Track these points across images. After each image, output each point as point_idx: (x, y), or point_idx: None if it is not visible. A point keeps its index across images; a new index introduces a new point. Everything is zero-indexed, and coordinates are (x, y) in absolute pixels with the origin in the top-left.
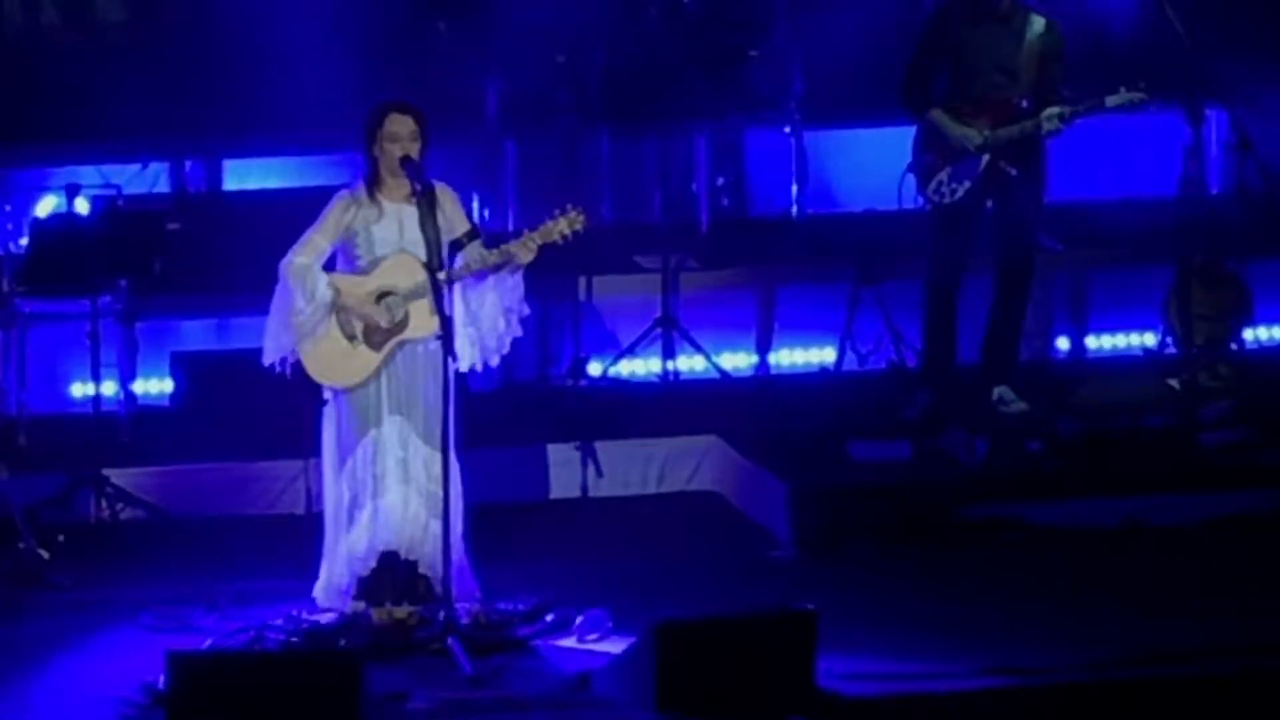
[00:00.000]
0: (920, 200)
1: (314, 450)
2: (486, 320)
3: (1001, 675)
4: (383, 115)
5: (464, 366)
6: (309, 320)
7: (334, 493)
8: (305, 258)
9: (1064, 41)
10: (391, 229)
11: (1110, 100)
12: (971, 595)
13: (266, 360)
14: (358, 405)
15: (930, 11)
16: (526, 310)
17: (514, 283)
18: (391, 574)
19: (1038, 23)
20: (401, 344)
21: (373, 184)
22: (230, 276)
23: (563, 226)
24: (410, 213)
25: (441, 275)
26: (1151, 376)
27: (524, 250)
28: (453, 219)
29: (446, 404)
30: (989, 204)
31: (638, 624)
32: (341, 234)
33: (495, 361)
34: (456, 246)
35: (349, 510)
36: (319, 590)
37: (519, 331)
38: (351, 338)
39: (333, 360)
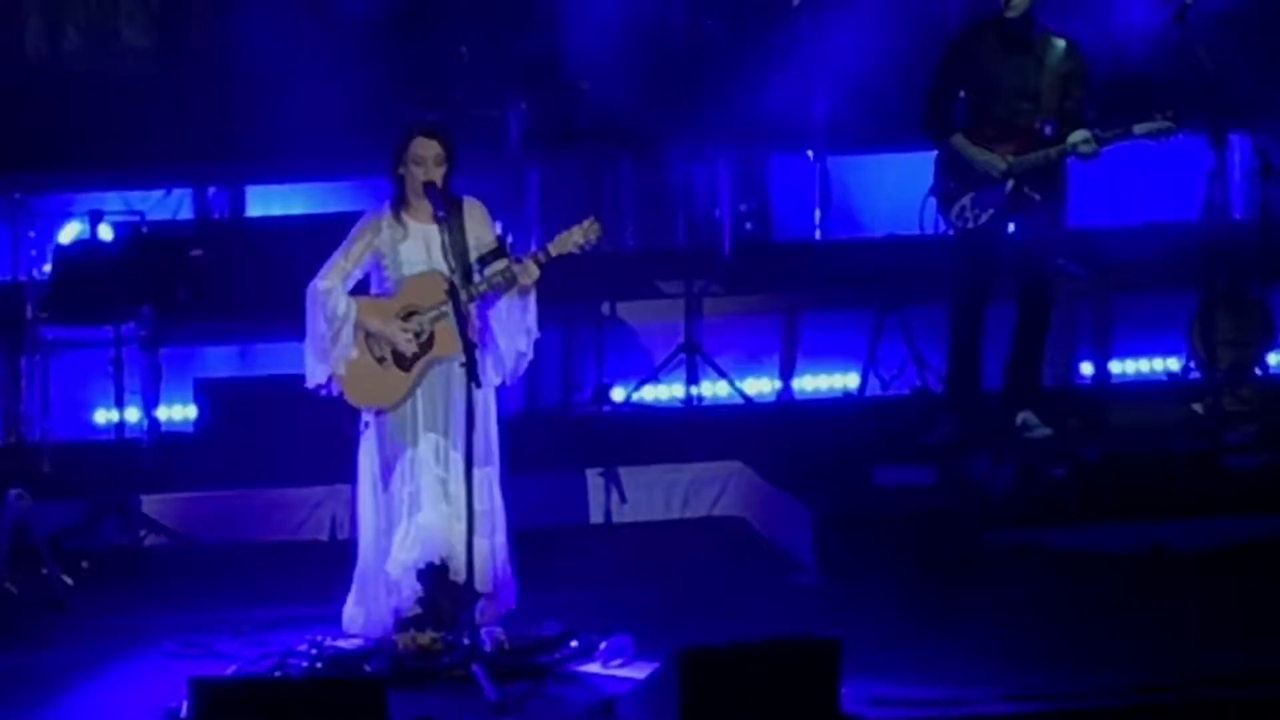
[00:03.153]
0: (942, 225)
1: (339, 476)
2: (505, 338)
3: (1025, 701)
4: (409, 137)
5: (495, 382)
6: (337, 343)
7: (371, 515)
8: (328, 281)
9: (1086, 64)
10: (418, 249)
11: (1138, 128)
12: (995, 620)
13: (309, 384)
14: (395, 426)
15: (951, 37)
16: (538, 333)
17: (524, 303)
18: (430, 594)
19: (1058, 46)
20: (433, 363)
21: (399, 205)
22: (254, 302)
23: (577, 236)
24: (436, 232)
25: (464, 296)
26: (1176, 401)
27: (525, 272)
28: (481, 234)
29: (470, 427)
30: (1011, 228)
31: (662, 650)
32: (369, 256)
33: (510, 381)
34: (482, 263)
35: (387, 531)
36: (349, 614)
37: (530, 354)
38: (381, 359)
39: (367, 383)
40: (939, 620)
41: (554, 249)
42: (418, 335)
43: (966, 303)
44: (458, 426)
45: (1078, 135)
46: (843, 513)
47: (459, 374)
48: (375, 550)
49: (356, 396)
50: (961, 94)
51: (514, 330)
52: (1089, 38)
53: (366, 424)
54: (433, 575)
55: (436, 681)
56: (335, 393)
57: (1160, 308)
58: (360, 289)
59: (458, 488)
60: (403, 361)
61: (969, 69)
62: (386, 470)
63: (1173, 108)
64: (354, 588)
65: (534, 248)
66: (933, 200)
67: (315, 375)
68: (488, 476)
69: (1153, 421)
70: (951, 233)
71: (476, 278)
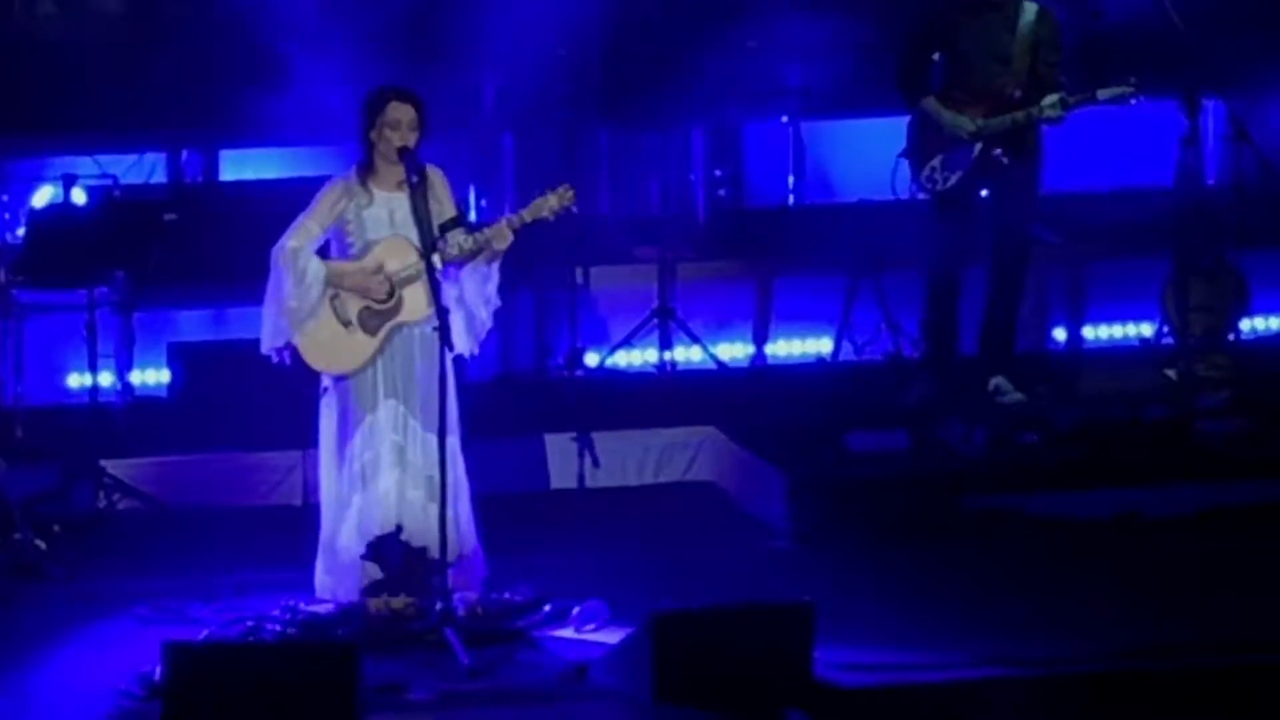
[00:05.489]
0: (914, 188)
1: (312, 441)
2: (467, 307)
3: (998, 665)
4: (384, 102)
5: (460, 350)
6: (302, 304)
7: (331, 480)
8: (296, 241)
9: (1059, 28)
10: (382, 216)
11: (1101, 93)
12: (968, 586)
13: (264, 349)
14: (355, 391)
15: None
16: (499, 302)
17: (488, 272)
18: (388, 561)
19: (1030, 10)
20: (397, 328)
21: (365, 171)
22: (227, 267)
23: (552, 202)
24: (401, 200)
25: (435, 258)
26: (1148, 367)
27: (499, 236)
28: (441, 201)
29: (443, 392)
30: (984, 193)
31: (635, 615)
32: (334, 220)
33: (476, 351)
34: (441, 230)
35: (346, 497)
36: (318, 579)
37: (490, 324)
38: (347, 323)
39: (330, 347)
40: (912, 586)
41: (528, 215)
42: (390, 293)
43: (942, 267)
44: (418, 393)
45: (1046, 99)
46: (816, 478)
47: (422, 340)
48: (335, 516)
49: (317, 361)
50: (935, 57)
51: (475, 300)
52: (1064, 1)
53: (325, 389)
54: (391, 542)
55: (409, 646)
56: (288, 360)
57: (1133, 274)
58: (320, 255)
59: (415, 454)
60: (369, 325)
61: (941, 32)
62: (345, 436)
63: (1135, 73)
64: (320, 554)
65: (507, 213)
66: (905, 163)
67: (273, 339)
68: (450, 445)
69: (1125, 387)
70: (923, 196)
71: (442, 245)
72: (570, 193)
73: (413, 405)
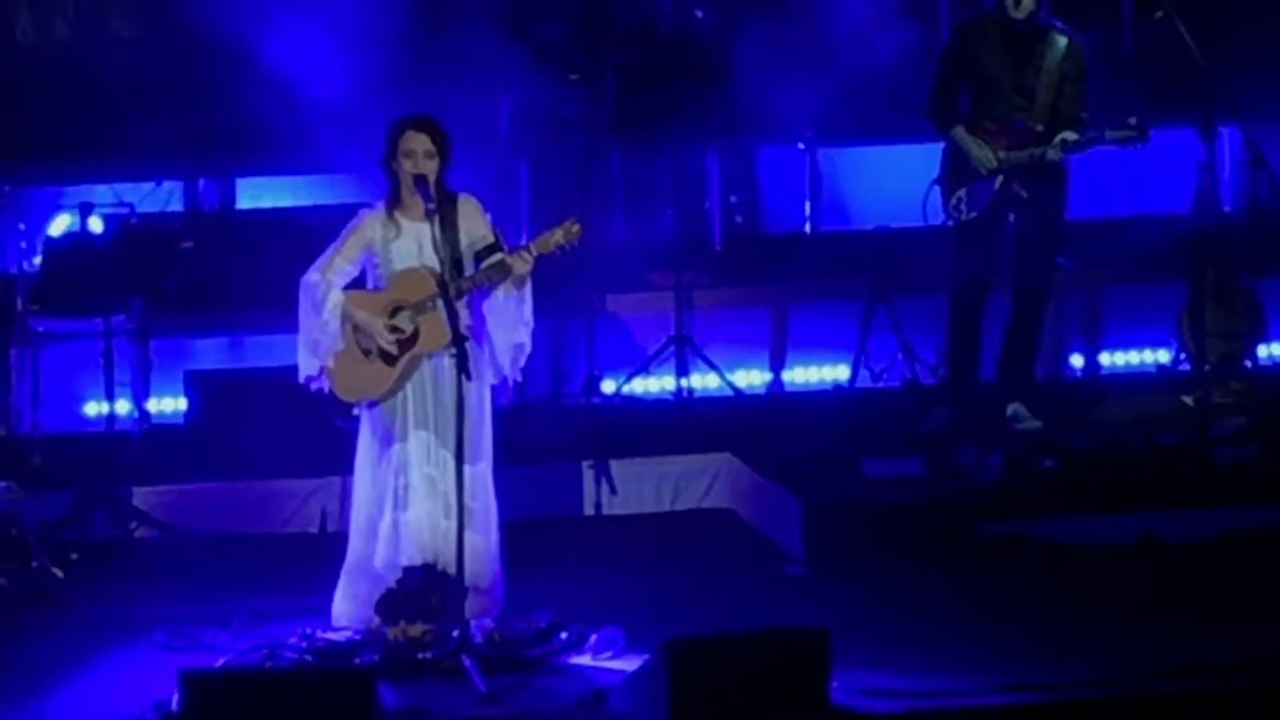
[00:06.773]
0: (943, 216)
1: (329, 469)
2: (501, 332)
3: (1016, 692)
4: (400, 131)
5: (485, 378)
6: (324, 335)
7: (362, 507)
8: (317, 274)
9: (1086, 62)
10: (410, 246)
11: (1110, 134)
12: (986, 611)
13: (301, 378)
14: (383, 420)
15: (951, 29)
16: (532, 323)
17: (521, 295)
18: (409, 591)
19: (1060, 43)
20: (420, 357)
21: (393, 202)
22: (244, 295)
23: (559, 237)
24: (428, 230)
25: (453, 290)
26: (1165, 393)
27: (519, 261)
28: (475, 231)
29: (460, 422)
30: (1011, 219)
31: (652, 642)
32: (361, 252)
33: (518, 376)
34: (479, 258)
35: (371, 523)
36: (337, 606)
37: (529, 346)
38: (368, 352)
39: (354, 376)
40: (928, 611)
41: (535, 248)
42: (401, 334)
43: (965, 293)
44: (450, 423)
45: (1057, 138)
46: (832, 504)
47: (450, 369)
48: (363, 542)
49: (344, 390)
50: (966, 84)
51: (511, 323)
52: (1080, 31)
53: (357, 416)
54: (419, 572)
55: (426, 673)
56: (325, 388)
57: (1150, 300)
58: (357, 285)
59: (447, 486)
60: (388, 356)
61: (970, 62)
62: (373, 464)
63: (1138, 116)
64: (342, 580)
65: (524, 242)
66: (937, 190)
67: (307, 368)
68: (480, 474)
69: (1142, 414)
70: (949, 224)
71: (469, 272)
72: (577, 227)
73: (445, 435)
